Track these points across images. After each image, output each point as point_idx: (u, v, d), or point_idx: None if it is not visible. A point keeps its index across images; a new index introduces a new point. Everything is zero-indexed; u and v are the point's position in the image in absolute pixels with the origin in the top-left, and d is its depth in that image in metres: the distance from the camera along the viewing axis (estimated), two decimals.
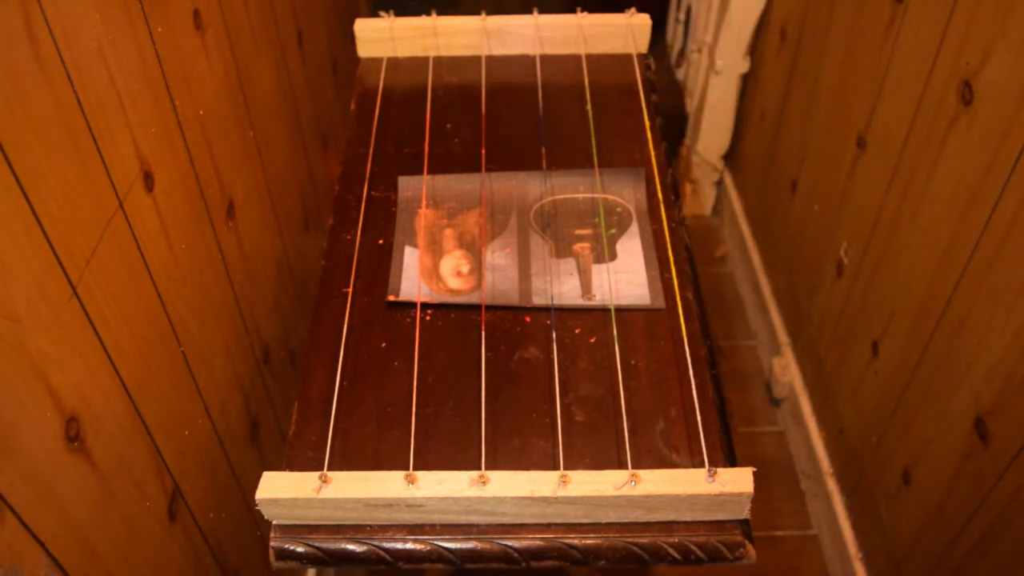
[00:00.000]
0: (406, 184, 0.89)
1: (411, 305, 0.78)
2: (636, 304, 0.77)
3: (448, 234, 0.84)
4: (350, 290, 0.79)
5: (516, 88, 1.01)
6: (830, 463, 1.35)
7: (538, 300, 0.78)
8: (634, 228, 0.84)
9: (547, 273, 0.80)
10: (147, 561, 0.68)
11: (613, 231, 0.84)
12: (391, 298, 0.78)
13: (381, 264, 0.82)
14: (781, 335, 1.55)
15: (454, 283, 0.80)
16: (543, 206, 0.87)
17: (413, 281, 0.80)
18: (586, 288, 0.79)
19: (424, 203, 0.87)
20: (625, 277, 0.80)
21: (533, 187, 0.89)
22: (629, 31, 1.04)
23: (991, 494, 0.87)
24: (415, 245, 0.83)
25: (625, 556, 0.63)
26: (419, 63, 1.05)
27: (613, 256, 0.82)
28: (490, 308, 0.77)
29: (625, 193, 0.88)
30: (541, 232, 0.85)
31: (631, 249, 0.82)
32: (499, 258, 0.82)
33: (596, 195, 0.88)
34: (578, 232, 0.84)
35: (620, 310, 0.77)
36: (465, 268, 0.81)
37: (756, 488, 0.61)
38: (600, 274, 0.80)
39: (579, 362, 0.73)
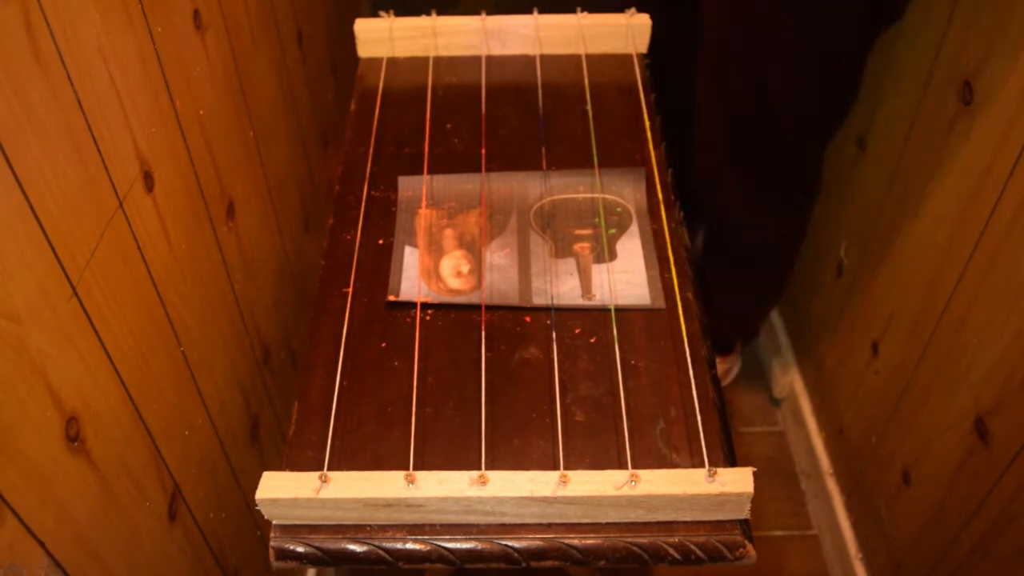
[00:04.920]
0: (406, 184, 0.89)
1: (411, 305, 0.78)
2: (636, 304, 0.77)
3: (448, 234, 0.84)
4: (350, 290, 0.79)
5: (516, 88, 1.01)
6: (830, 463, 1.35)
7: (538, 300, 0.78)
8: (634, 228, 0.84)
9: (547, 273, 0.80)
10: (147, 561, 0.68)
11: (613, 231, 0.84)
12: (391, 298, 0.78)
13: (381, 264, 0.82)
14: (781, 335, 1.55)
15: (454, 283, 0.80)
16: (543, 206, 0.87)
17: (413, 281, 0.80)
18: (586, 288, 0.79)
19: (424, 203, 0.87)
20: (625, 277, 0.80)
21: (533, 187, 0.89)
22: (629, 31, 1.04)
23: (991, 494, 0.87)
24: (415, 245, 0.83)
25: (625, 556, 0.63)
26: (419, 63, 1.05)
27: (613, 256, 0.82)
28: (490, 308, 0.77)
29: (625, 193, 0.88)
30: (541, 232, 0.85)
31: (631, 249, 0.82)
32: (499, 258, 0.82)
33: (596, 195, 0.88)
34: (578, 232, 0.84)
35: (620, 310, 0.77)
36: (465, 268, 0.81)
37: (756, 488, 0.61)
38: (600, 274, 0.80)
39: (579, 362, 0.73)
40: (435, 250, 0.83)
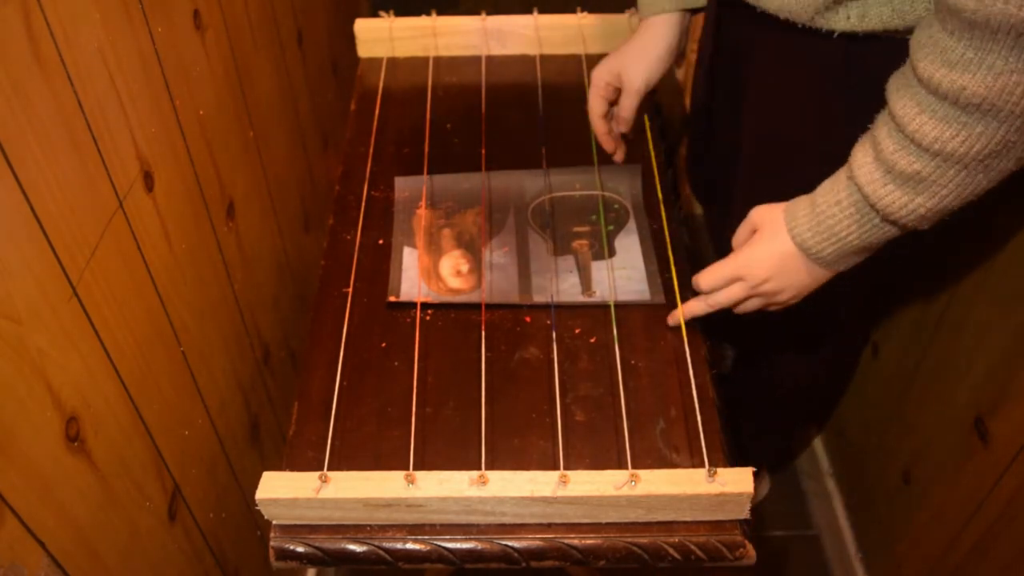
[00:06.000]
0: (403, 184, 0.89)
1: (411, 305, 0.78)
2: (636, 300, 0.77)
3: (446, 234, 0.84)
4: (350, 290, 0.79)
5: (516, 88, 1.01)
6: (830, 463, 1.35)
7: (539, 298, 0.78)
8: (631, 225, 0.84)
9: (547, 271, 0.80)
10: (147, 561, 0.68)
11: (611, 228, 0.84)
12: (391, 298, 0.78)
13: (381, 264, 0.82)
14: None
15: (454, 282, 0.80)
16: (541, 204, 0.87)
17: (413, 281, 0.80)
18: (586, 285, 0.79)
19: (422, 203, 0.87)
20: (624, 273, 0.80)
21: (530, 185, 0.89)
22: (629, 31, 1.04)
23: (991, 494, 0.87)
24: (413, 245, 0.83)
25: (625, 556, 0.63)
26: (419, 63, 1.05)
27: (612, 253, 0.82)
28: (491, 307, 0.77)
29: (622, 190, 0.88)
30: (540, 230, 0.85)
31: (629, 245, 0.82)
32: (498, 257, 0.82)
33: (593, 192, 0.88)
34: (576, 229, 0.85)
35: (620, 306, 0.77)
36: (465, 267, 0.81)
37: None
38: (600, 271, 0.80)
39: (579, 362, 0.73)
40: (434, 250, 0.83)
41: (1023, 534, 0.82)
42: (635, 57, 0.86)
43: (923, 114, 0.58)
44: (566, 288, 0.79)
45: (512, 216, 0.86)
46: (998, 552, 0.87)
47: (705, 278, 0.73)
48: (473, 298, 0.78)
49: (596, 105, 0.89)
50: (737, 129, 0.87)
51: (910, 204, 0.62)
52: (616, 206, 0.87)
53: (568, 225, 0.85)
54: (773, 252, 0.70)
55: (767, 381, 1.14)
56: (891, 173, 0.61)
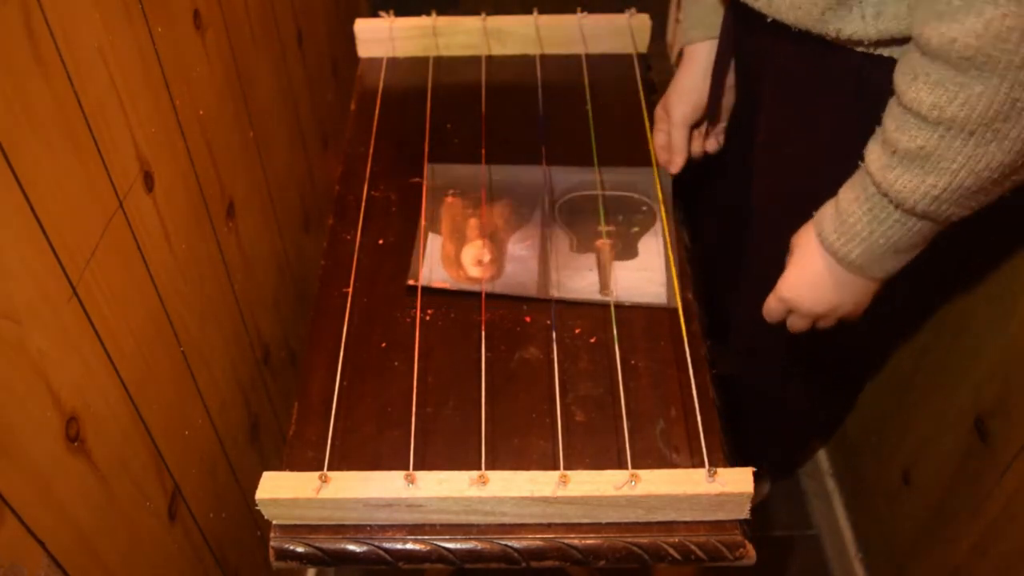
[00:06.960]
0: (435, 172, 0.89)
1: (415, 298, 0.78)
2: (652, 302, 0.77)
3: (472, 223, 0.85)
4: (350, 290, 0.79)
5: (516, 88, 1.01)
6: (830, 463, 1.35)
7: (555, 293, 0.78)
8: (657, 227, 0.84)
9: (567, 267, 0.81)
10: (147, 561, 0.68)
11: (636, 229, 0.85)
12: (411, 282, 0.78)
13: (381, 264, 0.82)
14: None
15: (474, 271, 0.80)
16: (569, 200, 0.88)
17: (432, 267, 0.80)
18: (604, 284, 0.79)
19: (453, 191, 0.88)
20: (645, 275, 0.80)
21: (560, 181, 0.89)
22: (629, 31, 1.04)
23: (991, 494, 0.87)
24: (439, 232, 0.84)
25: (625, 556, 0.63)
26: (419, 63, 1.05)
27: (634, 254, 0.82)
28: (502, 297, 0.78)
29: (652, 192, 0.88)
30: (565, 227, 0.85)
31: (653, 248, 0.82)
32: (520, 249, 0.82)
33: (623, 192, 0.88)
34: (600, 228, 0.85)
35: (623, 307, 0.77)
36: (486, 257, 0.81)
37: None
38: (620, 271, 0.80)
39: (579, 362, 0.73)
40: (458, 238, 0.83)
41: (1023, 534, 0.82)
42: (672, 90, 0.88)
43: (917, 80, 0.54)
44: (584, 286, 0.79)
45: (539, 210, 0.86)
46: (998, 552, 0.87)
47: (767, 312, 0.73)
48: (496, 289, 0.78)
49: (656, 138, 0.91)
50: (748, 148, 0.85)
51: (921, 187, 0.57)
52: (644, 208, 0.87)
53: (594, 223, 0.85)
54: (804, 272, 0.68)
55: (771, 402, 1.12)
56: (896, 154, 0.57)
